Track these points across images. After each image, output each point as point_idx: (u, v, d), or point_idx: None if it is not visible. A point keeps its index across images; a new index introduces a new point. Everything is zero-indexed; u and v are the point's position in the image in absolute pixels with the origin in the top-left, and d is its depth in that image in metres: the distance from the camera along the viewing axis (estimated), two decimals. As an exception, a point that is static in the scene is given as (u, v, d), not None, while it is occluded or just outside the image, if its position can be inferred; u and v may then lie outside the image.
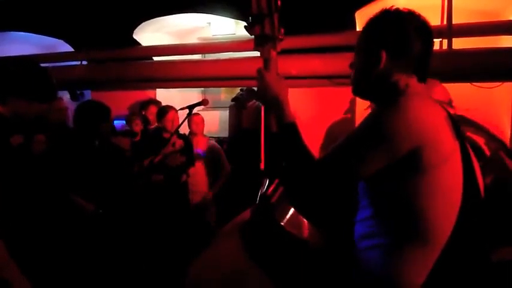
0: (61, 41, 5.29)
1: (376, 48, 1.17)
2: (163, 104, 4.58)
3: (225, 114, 5.48)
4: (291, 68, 3.86)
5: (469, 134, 1.54)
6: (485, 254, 1.11)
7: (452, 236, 1.03)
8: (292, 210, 1.43)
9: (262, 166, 1.46)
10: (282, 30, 1.36)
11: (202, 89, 5.74)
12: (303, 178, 1.14)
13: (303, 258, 1.25)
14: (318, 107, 4.33)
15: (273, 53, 1.37)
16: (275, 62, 1.38)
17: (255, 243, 1.28)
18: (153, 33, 5.18)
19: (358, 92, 1.28)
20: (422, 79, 1.18)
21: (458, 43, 3.63)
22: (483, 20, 3.86)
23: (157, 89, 5.16)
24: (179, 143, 3.62)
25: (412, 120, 1.03)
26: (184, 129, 3.84)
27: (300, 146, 1.17)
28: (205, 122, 4.26)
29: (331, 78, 4.05)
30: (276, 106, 1.27)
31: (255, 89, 1.34)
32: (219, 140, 4.93)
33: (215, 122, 5.47)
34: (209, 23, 5.54)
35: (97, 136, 2.84)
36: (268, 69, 1.37)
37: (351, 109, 4.27)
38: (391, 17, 1.19)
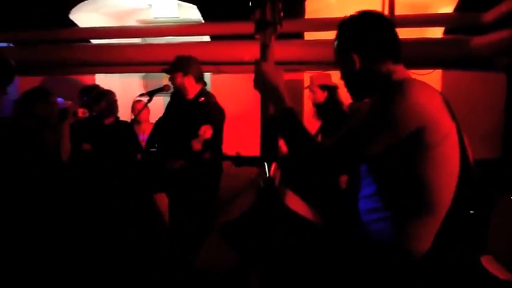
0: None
1: (347, 54, 1.30)
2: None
3: (167, 100, 5.34)
4: (244, 54, 3.89)
5: None
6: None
7: (453, 204, 1.17)
8: (294, 194, 1.49)
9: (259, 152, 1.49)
10: (282, 15, 1.37)
11: (144, 74, 5.54)
12: (311, 161, 1.21)
13: (312, 239, 1.32)
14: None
15: (272, 40, 1.38)
16: (272, 48, 1.40)
17: (265, 226, 1.32)
18: (89, 13, 4.86)
19: (355, 96, 1.38)
20: (398, 60, 1.30)
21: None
22: (415, 13, 4.20)
23: (96, 75, 4.88)
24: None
25: (414, 104, 1.15)
26: (126, 117, 3.70)
27: (302, 129, 1.24)
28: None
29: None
30: (274, 94, 1.32)
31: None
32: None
33: (158, 108, 5.31)
34: (150, 5, 5.32)
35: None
36: (266, 56, 1.38)
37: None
38: (348, 24, 1.33)
